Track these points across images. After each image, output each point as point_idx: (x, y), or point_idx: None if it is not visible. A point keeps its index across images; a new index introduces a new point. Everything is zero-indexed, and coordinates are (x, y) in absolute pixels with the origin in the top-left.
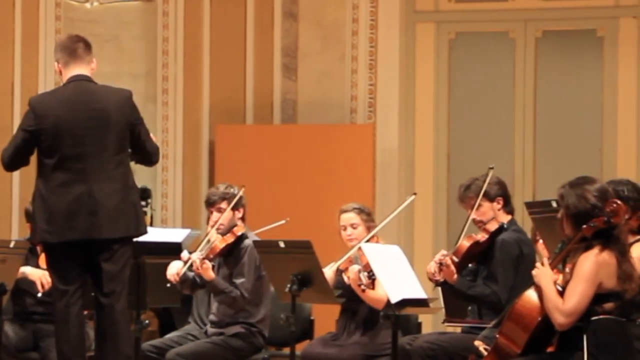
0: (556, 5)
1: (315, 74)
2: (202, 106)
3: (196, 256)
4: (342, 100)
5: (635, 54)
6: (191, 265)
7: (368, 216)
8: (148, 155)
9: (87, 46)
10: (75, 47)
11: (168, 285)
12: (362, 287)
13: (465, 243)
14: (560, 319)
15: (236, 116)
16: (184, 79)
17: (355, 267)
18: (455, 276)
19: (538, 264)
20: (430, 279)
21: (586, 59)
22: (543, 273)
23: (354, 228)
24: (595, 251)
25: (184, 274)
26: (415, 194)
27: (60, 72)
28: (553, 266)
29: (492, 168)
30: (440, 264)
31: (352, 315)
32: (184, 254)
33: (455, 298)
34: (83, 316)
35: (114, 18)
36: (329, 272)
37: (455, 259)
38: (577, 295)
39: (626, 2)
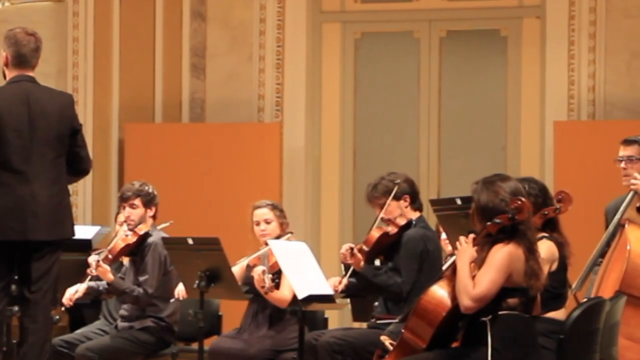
0: (460, 6)
1: (223, 73)
2: (111, 105)
3: (93, 259)
4: (249, 99)
5: (538, 54)
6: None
7: (281, 212)
8: (79, 162)
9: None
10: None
11: (63, 309)
12: (265, 289)
13: (375, 233)
14: (466, 302)
15: (145, 115)
16: (93, 78)
17: (259, 269)
18: (362, 263)
19: (463, 239)
20: (336, 290)
21: (490, 59)
22: (464, 251)
23: (268, 223)
24: (509, 244)
25: (90, 287)
26: (291, 232)
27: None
28: (476, 243)
29: None
30: (352, 248)
31: (259, 310)
32: (92, 259)
33: (360, 289)
34: (5, 313)
35: (24, 18)
36: (237, 269)
37: (366, 248)
38: (487, 282)
39: (529, 2)
